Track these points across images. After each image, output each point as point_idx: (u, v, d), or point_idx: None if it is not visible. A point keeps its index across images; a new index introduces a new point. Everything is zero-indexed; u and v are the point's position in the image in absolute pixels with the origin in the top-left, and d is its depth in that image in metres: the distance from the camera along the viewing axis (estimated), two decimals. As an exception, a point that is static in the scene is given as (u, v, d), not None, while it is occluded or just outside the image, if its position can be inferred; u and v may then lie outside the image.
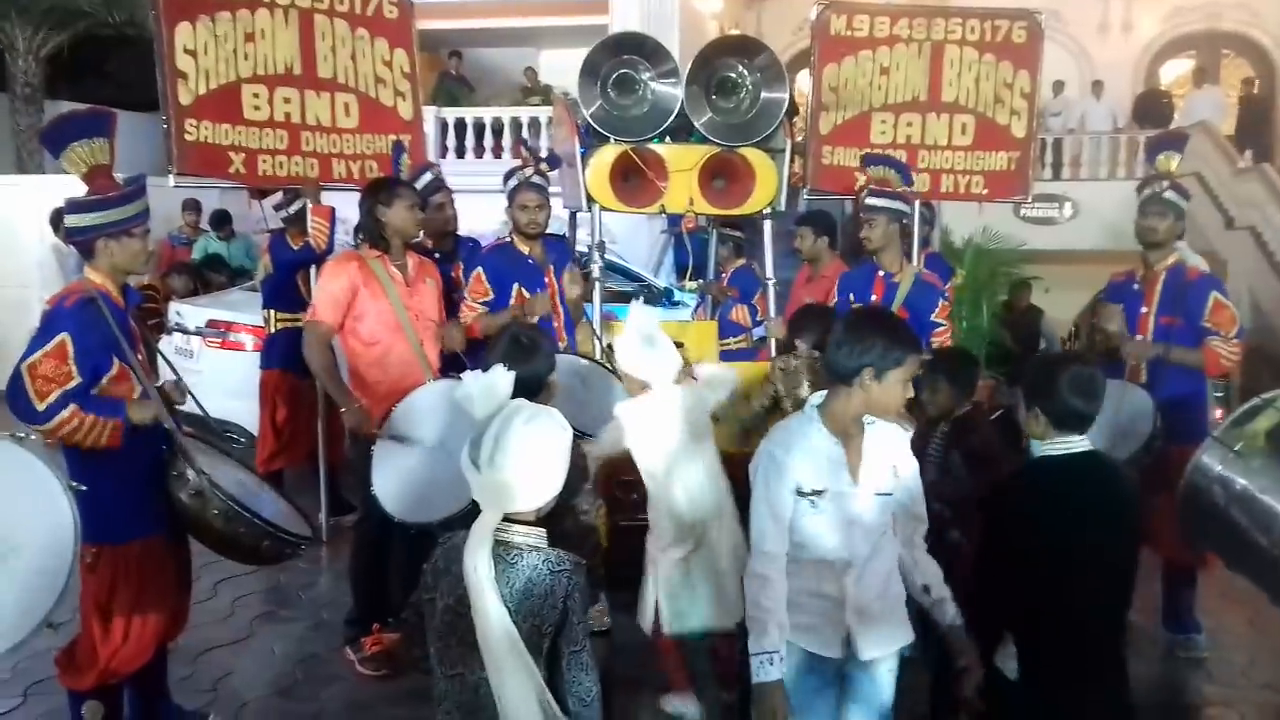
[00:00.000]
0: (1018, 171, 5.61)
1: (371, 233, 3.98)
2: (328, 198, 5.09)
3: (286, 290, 5.61)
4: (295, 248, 5.40)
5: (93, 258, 3.01)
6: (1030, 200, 5.93)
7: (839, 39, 5.39)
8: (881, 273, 4.50)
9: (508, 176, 4.50)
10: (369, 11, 5.08)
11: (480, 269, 4.35)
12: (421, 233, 4.52)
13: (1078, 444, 2.49)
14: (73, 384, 2.84)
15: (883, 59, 5.43)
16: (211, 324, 6.73)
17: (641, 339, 3.26)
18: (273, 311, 5.72)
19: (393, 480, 3.53)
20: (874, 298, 4.50)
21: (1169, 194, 4.22)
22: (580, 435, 3.15)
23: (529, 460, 2.02)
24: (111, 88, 13.40)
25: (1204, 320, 4.06)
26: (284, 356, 5.50)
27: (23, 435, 2.71)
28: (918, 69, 5.47)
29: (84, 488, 2.72)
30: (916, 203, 5.47)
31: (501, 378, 2.19)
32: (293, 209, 5.43)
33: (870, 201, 4.48)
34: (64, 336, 2.85)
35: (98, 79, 14.36)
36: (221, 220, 10.16)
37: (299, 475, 5.76)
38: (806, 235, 5.53)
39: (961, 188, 5.59)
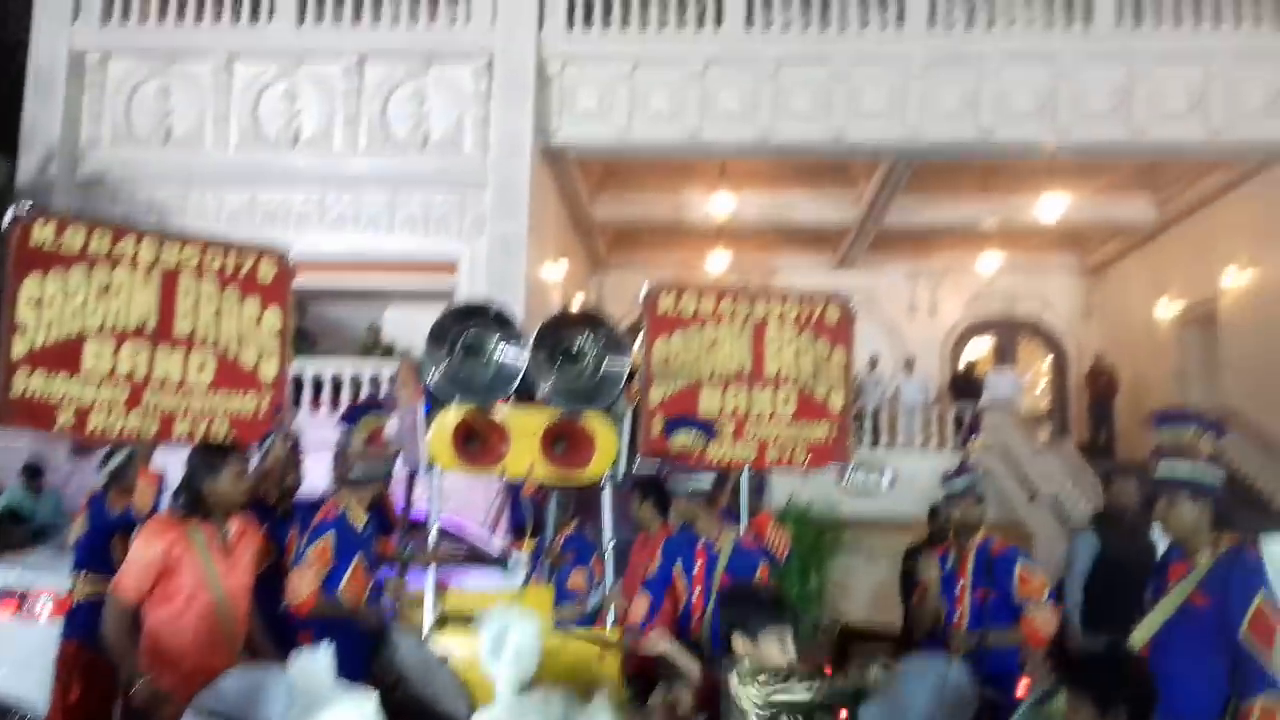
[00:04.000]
0: (837, 441, 5.94)
1: (193, 498, 3.87)
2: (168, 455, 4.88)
3: (99, 553, 5.23)
4: (115, 510, 5.15)
5: None
6: (851, 469, 6.27)
7: (667, 316, 5.71)
8: (702, 541, 4.67)
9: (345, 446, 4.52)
10: (242, 272, 5.00)
11: (331, 535, 4.27)
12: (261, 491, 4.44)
13: None
14: None
15: (709, 334, 5.76)
16: (5, 592, 6.18)
17: (491, 642, 3.09)
18: (83, 573, 5.33)
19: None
20: (697, 563, 4.64)
21: (979, 485, 4.61)
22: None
23: None
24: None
25: (1014, 593, 4.33)
26: (86, 628, 5.01)
27: None
28: (742, 344, 5.82)
29: None
30: (746, 469, 5.74)
31: (324, 660, 2.14)
32: (113, 463, 5.22)
33: (670, 483, 4.75)
34: None
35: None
36: (34, 472, 9.59)
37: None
38: (636, 501, 5.68)
39: (785, 457, 5.85)
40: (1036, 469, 13.54)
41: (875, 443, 14.26)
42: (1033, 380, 19.82)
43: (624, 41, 13.55)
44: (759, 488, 6.03)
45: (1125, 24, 13.22)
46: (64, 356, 4.50)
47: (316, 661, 2.16)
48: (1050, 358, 19.79)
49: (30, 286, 4.43)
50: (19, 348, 4.39)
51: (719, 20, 13.54)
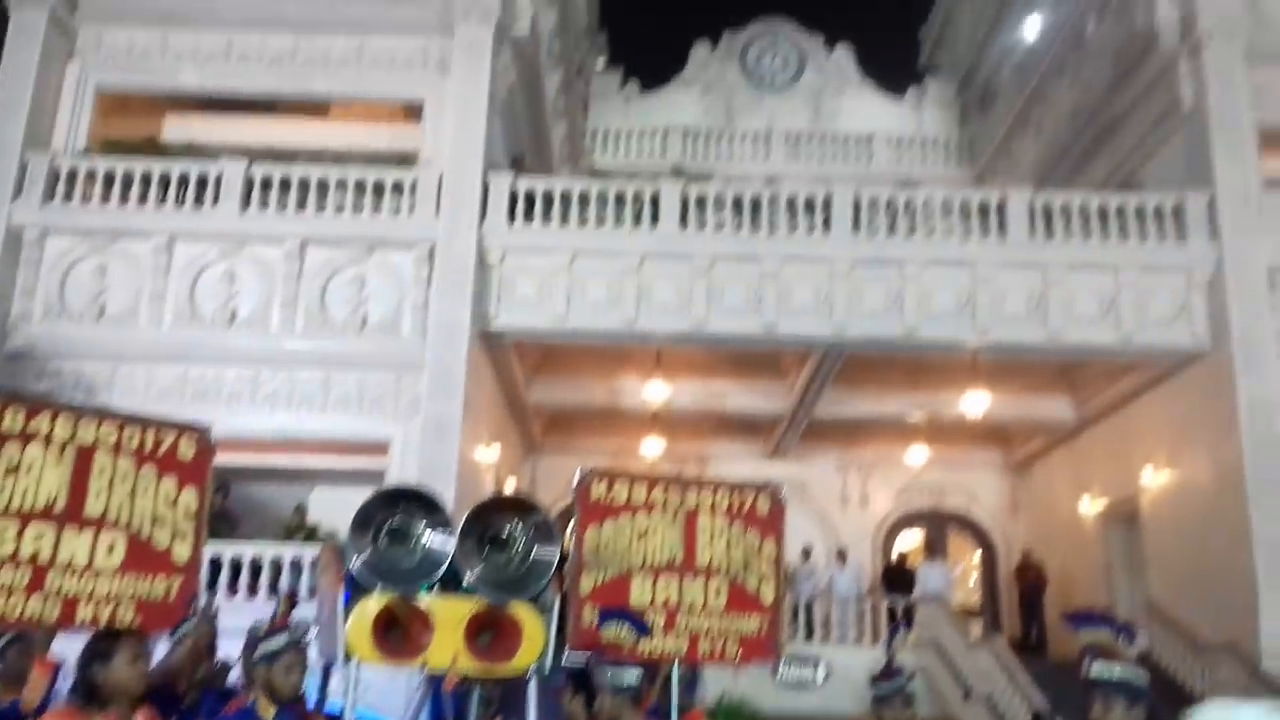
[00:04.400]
0: (768, 636, 5.85)
1: (88, 689, 3.66)
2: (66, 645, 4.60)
3: None
4: (3, 702, 4.82)
5: None
6: (785, 664, 6.16)
7: (599, 504, 5.70)
8: None
9: (265, 634, 4.34)
10: (161, 450, 4.81)
11: None
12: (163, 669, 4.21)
13: None
14: None
15: (641, 523, 5.74)
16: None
17: None
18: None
19: None
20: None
21: (907, 686, 4.58)
22: None
23: None
24: None
25: None
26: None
27: None
28: (673, 533, 5.80)
29: None
30: (676, 663, 5.61)
31: None
32: None
33: (595, 678, 4.67)
34: None
35: None
36: None
37: None
38: (568, 695, 5.49)
39: (717, 650, 5.74)
40: (970, 665, 13.41)
41: (810, 635, 14.10)
42: (964, 573, 19.91)
43: (563, 235, 14.03)
44: (691, 682, 5.87)
45: (1038, 236, 14.05)
46: None
47: None
48: (979, 551, 19.94)
49: None
50: None
51: (655, 219, 14.12)
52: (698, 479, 6.19)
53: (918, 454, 18.75)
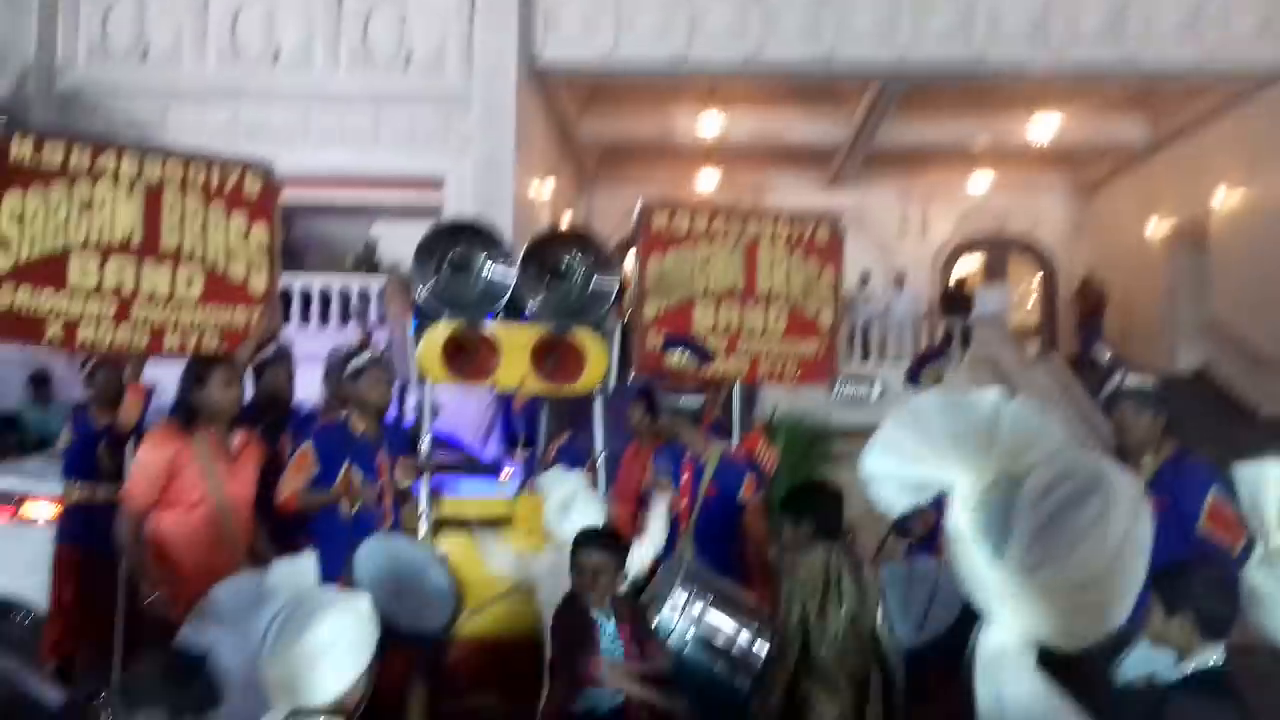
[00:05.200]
0: (826, 358, 6.01)
1: (187, 410, 3.90)
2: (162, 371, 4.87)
3: (86, 461, 5.28)
4: (99, 423, 5.18)
5: None
6: (841, 383, 6.33)
7: (661, 234, 5.73)
8: (688, 455, 4.74)
9: (346, 356, 4.53)
10: (227, 187, 4.93)
11: (310, 444, 4.29)
12: (258, 398, 4.47)
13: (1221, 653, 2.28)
14: None
15: (702, 252, 5.79)
16: (1, 495, 6.28)
17: (557, 505, 3.69)
18: (72, 482, 5.38)
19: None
20: (684, 476, 4.73)
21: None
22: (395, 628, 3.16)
23: (312, 651, 1.96)
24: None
25: None
26: (79, 532, 5.12)
27: None
28: (734, 262, 5.86)
29: None
30: (738, 383, 5.80)
31: (307, 564, 2.18)
32: (88, 368, 5.25)
33: (658, 399, 4.82)
34: None
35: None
36: (40, 381, 9.65)
37: (91, 659, 5.33)
38: (636, 410, 5.69)
39: (776, 372, 5.93)
40: (1025, 382, 13.67)
41: (866, 357, 14.34)
42: (1022, 296, 19.90)
43: (611, -43, 13.23)
44: (750, 401, 6.09)
45: (1121, -57, 12.96)
46: (49, 271, 4.49)
47: (300, 566, 2.22)
48: (1040, 275, 19.83)
49: (11, 203, 4.40)
50: (3, 263, 4.38)
51: (708, -64, 13.21)
52: (757, 210, 6.14)
53: (980, 180, 18.31)
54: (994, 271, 19.21)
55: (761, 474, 5.27)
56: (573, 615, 3.24)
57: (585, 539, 3.21)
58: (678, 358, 5.09)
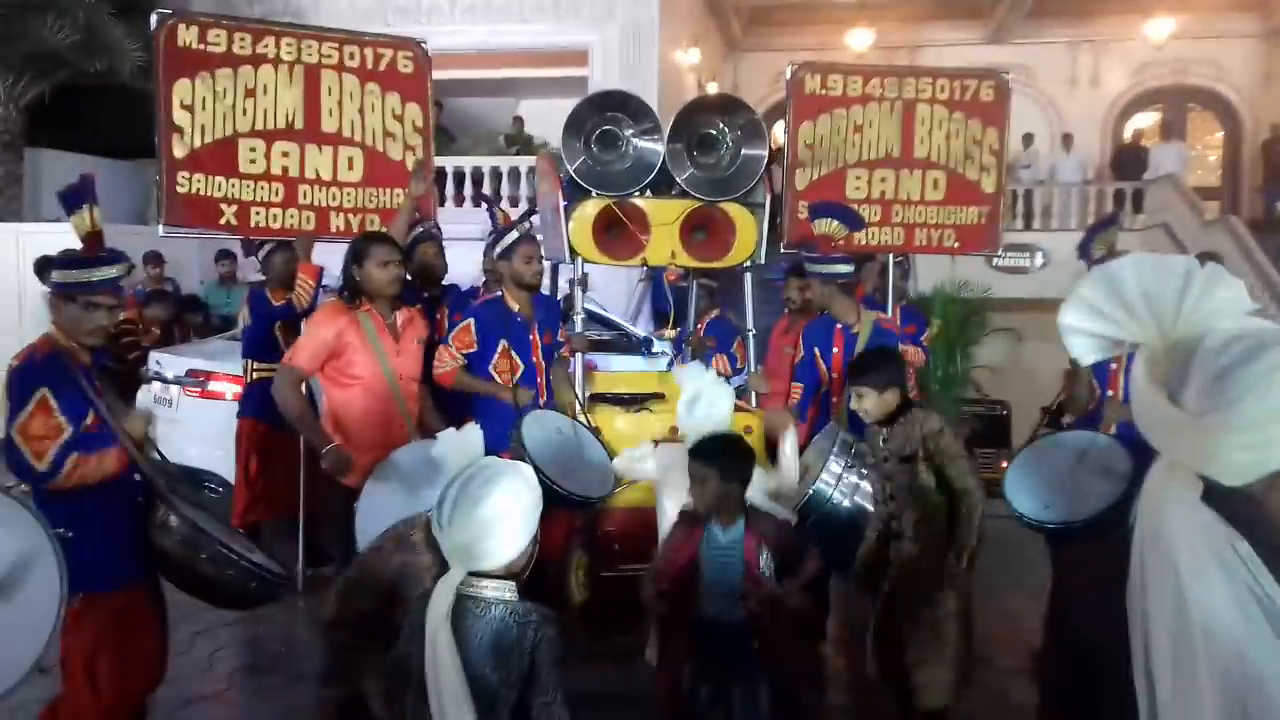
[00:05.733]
0: (988, 225, 5.76)
1: (352, 288, 4.04)
2: (330, 252, 5.07)
3: (264, 342, 5.60)
4: (276, 303, 5.43)
5: (53, 312, 3.06)
6: (1002, 251, 6.07)
7: (813, 98, 5.53)
8: (839, 325, 4.64)
9: (499, 234, 4.59)
10: (381, 66, 5.05)
11: (471, 320, 4.39)
12: (409, 276, 4.59)
13: None
14: (65, 435, 2.86)
15: (856, 117, 5.57)
16: (191, 373, 6.72)
17: (688, 400, 3.61)
18: (251, 361, 5.71)
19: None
20: (835, 350, 4.64)
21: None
22: (557, 492, 3.24)
23: (488, 519, 2.06)
24: (91, 136, 13.44)
25: None
26: (261, 406, 5.44)
27: (10, 485, 2.73)
28: (890, 126, 5.62)
29: (70, 534, 2.68)
30: (891, 255, 5.62)
31: (474, 435, 2.26)
32: (262, 253, 5.48)
33: (807, 267, 4.69)
34: (43, 391, 2.87)
35: (79, 127, 14.40)
36: (224, 263, 10.10)
37: (276, 526, 5.75)
38: (802, 286, 5.57)
39: (934, 241, 5.73)
40: (1203, 246, 12.83)
41: (1028, 224, 13.69)
42: (1201, 154, 18.48)
43: None
44: (905, 272, 5.90)
45: None
46: (221, 158, 4.69)
47: (467, 436, 2.30)
48: (1222, 131, 18.34)
49: (180, 90, 4.58)
50: (179, 150, 4.59)
51: None
52: (915, 68, 5.84)
53: (1159, 26, 16.85)
54: (1171, 128, 17.82)
55: (918, 342, 5.16)
56: (680, 524, 3.23)
57: (695, 449, 3.17)
58: (825, 225, 4.94)
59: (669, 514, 3.56)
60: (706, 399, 3.59)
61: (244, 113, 4.74)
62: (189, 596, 3.25)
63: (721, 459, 3.08)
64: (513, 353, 4.39)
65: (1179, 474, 1.74)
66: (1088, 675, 2.38)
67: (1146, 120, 18.43)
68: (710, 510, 3.09)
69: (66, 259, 3.05)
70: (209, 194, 4.67)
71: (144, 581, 3.15)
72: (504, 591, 2.10)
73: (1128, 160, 15.58)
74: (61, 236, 3.20)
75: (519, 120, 14.69)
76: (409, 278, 4.78)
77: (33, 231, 10.07)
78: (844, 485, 3.91)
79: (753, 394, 5.11)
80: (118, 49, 12.82)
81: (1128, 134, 17.68)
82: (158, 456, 3.29)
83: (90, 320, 3.03)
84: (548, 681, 2.07)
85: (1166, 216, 13.45)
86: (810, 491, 3.95)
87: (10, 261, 9.66)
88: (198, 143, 4.64)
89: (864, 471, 3.99)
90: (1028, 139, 15.48)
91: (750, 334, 5.33)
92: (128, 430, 2.99)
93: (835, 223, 4.92)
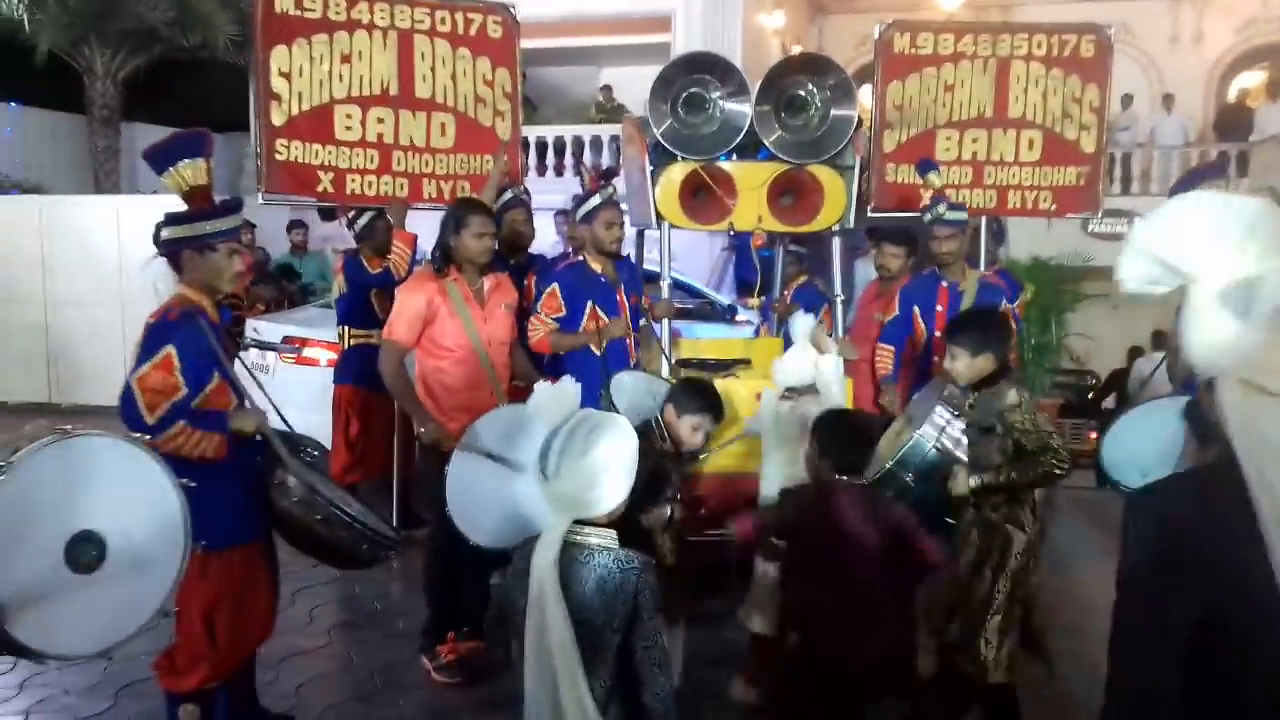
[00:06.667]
0: (1087, 187, 5.58)
1: (444, 256, 4.09)
2: (420, 218, 5.13)
3: (360, 309, 5.70)
4: (372, 271, 5.52)
5: (181, 272, 3.12)
6: (1099, 216, 5.89)
7: (903, 57, 5.41)
8: (946, 283, 4.55)
9: (581, 199, 4.60)
10: (471, 31, 5.07)
11: (555, 285, 4.43)
12: (496, 245, 4.63)
13: None
14: (180, 395, 2.93)
15: (947, 76, 5.44)
16: (287, 340, 6.89)
17: (804, 347, 3.86)
18: (346, 329, 5.81)
19: (468, 504, 3.53)
20: (939, 308, 4.55)
21: None
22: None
23: (595, 468, 2.12)
24: (187, 109, 13.80)
25: None
26: (357, 372, 5.60)
27: (136, 436, 2.80)
28: (983, 85, 5.48)
29: (193, 484, 2.73)
30: (984, 218, 5.49)
31: (569, 388, 2.29)
32: (360, 223, 5.56)
33: (949, 216, 4.58)
34: (170, 349, 2.93)
35: (173, 101, 14.79)
36: (298, 226, 10.29)
37: (371, 489, 5.87)
38: (897, 253, 5.47)
39: (1029, 203, 5.58)
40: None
41: (1126, 189, 13.26)
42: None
43: None
44: (998, 235, 5.76)
45: None
46: (317, 125, 4.76)
47: (562, 390, 2.34)
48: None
49: (278, 57, 4.65)
50: (277, 117, 4.68)
51: None
52: (1009, 24, 5.66)
53: (1270, -23, 16.11)
54: (1279, 87, 17.05)
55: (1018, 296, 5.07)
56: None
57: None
58: (937, 178, 4.85)
59: (772, 476, 3.71)
60: (794, 351, 3.67)
61: (340, 79, 4.79)
62: (290, 554, 3.35)
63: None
64: (600, 314, 4.41)
65: (1237, 384, 1.71)
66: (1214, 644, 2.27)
67: (1252, 79, 17.64)
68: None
69: (198, 212, 3.07)
70: (306, 161, 4.75)
71: (262, 539, 3.25)
72: (607, 539, 2.16)
73: (1232, 121, 14.96)
74: (158, 209, 3.25)
75: (608, 89, 14.65)
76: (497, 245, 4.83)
77: (131, 204, 10.34)
78: (949, 435, 3.83)
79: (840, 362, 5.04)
80: (211, 23, 13.13)
81: (1232, 94, 16.95)
82: (278, 420, 3.38)
83: (233, 265, 3.11)
84: (649, 626, 2.12)
85: (1273, 179, 12.85)
86: (911, 440, 3.88)
87: (110, 234, 9.89)
88: (295, 110, 4.71)
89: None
90: (1126, 100, 14.96)
91: (839, 299, 5.26)
92: (237, 424, 3.05)
93: (927, 176, 4.86)
